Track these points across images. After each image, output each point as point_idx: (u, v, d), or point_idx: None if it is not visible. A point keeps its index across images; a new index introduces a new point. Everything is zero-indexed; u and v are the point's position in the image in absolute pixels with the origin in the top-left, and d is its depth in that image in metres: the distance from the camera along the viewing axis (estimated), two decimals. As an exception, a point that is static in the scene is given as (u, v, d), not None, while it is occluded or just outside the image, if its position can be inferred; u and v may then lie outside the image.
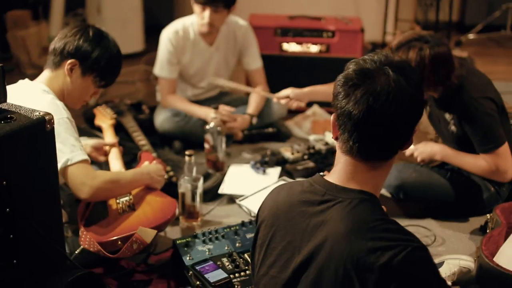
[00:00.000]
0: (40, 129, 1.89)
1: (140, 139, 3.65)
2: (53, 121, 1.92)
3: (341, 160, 1.69)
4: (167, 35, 4.00)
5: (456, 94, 3.05)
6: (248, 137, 4.08)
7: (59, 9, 5.31)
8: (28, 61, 5.38)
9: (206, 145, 3.63)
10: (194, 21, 3.99)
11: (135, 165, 3.16)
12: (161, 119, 3.96)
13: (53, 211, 2.01)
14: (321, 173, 1.77)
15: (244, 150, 4.00)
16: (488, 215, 3.13)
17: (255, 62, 4.19)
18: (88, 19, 5.75)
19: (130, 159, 3.66)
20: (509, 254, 2.87)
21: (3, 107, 1.91)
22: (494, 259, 2.81)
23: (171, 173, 3.40)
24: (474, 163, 3.13)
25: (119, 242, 2.54)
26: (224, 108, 3.84)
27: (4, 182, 1.75)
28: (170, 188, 3.33)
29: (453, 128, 3.13)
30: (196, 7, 3.85)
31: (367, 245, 1.55)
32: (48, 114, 1.92)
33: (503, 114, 3.16)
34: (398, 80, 1.59)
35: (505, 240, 2.98)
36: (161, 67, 4.04)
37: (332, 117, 1.70)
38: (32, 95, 2.59)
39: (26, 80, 2.72)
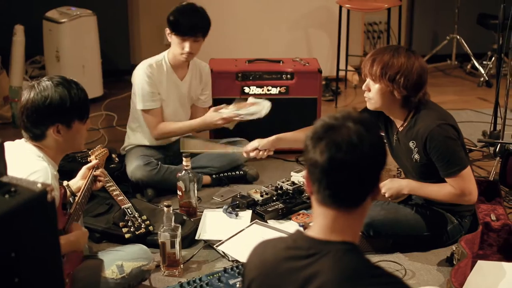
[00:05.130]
0: (42, 201, 1.96)
1: (113, 189, 3.73)
2: (54, 192, 2.00)
3: (318, 213, 1.81)
4: (142, 69, 4.08)
5: (419, 121, 3.24)
6: (216, 180, 4.21)
7: (20, 59, 5.34)
8: (-11, 111, 5.40)
9: (179, 192, 3.74)
10: (166, 55, 4.13)
11: None
12: (132, 168, 4.05)
13: (56, 277, 2.09)
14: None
15: (214, 194, 4.11)
16: (453, 246, 3.30)
17: (207, 102, 4.36)
18: (46, 66, 5.81)
19: (105, 209, 3.74)
20: (475, 284, 3.05)
21: (4, 180, 1.99)
22: (463, 289, 2.98)
23: (148, 222, 3.49)
24: (440, 190, 3.29)
25: None
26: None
27: (13, 254, 1.83)
28: (147, 237, 3.45)
29: (416, 156, 3.30)
30: (175, 38, 3.98)
31: None
32: (49, 185, 1.99)
33: (463, 146, 3.34)
34: (358, 130, 1.74)
35: (471, 270, 3.16)
36: (143, 100, 4.08)
37: (305, 173, 1.83)
38: (27, 160, 2.66)
39: (22, 140, 2.78)
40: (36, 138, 2.74)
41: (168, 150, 4.25)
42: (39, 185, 2.01)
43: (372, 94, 3.26)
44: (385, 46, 3.38)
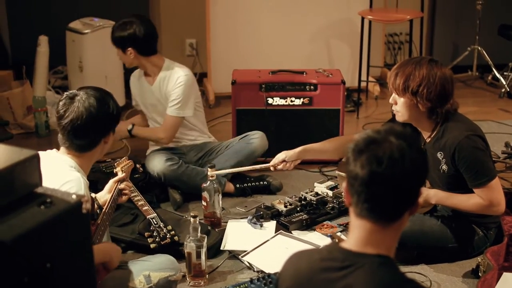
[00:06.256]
0: (77, 212, 1.99)
1: (138, 199, 3.75)
2: (89, 203, 2.02)
3: (355, 225, 1.83)
4: None
5: (447, 132, 3.25)
6: (240, 191, 4.24)
7: (44, 69, 5.39)
8: (13, 121, 5.45)
9: (204, 203, 3.77)
10: None
11: None
12: (154, 163, 4.15)
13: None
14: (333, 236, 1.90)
15: (237, 205, 4.13)
16: (479, 258, 3.30)
17: (174, 111, 4.25)
18: (69, 76, 5.86)
19: (130, 219, 3.77)
20: (502, 296, 3.05)
21: (39, 191, 2.01)
22: (490, 302, 2.98)
23: (173, 232, 3.51)
24: (468, 200, 3.28)
25: None
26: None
27: (48, 265, 1.85)
28: (172, 247, 3.46)
29: (444, 167, 3.30)
30: None
31: None
32: (83, 196, 2.01)
33: (490, 157, 3.34)
34: (400, 145, 1.75)
35: (497, 282, 3.15)
36: None
37: (344, 184, 1.85)
38: (59, 170, 2.70)
39: (54, 151, 2.82)
40: (86, 148, 2.82)
41: (187, 154, 4.36)
42: (74, 196, 2.03)
43: (399, 107, 3.27)
44: (409, 58, 3.38)
